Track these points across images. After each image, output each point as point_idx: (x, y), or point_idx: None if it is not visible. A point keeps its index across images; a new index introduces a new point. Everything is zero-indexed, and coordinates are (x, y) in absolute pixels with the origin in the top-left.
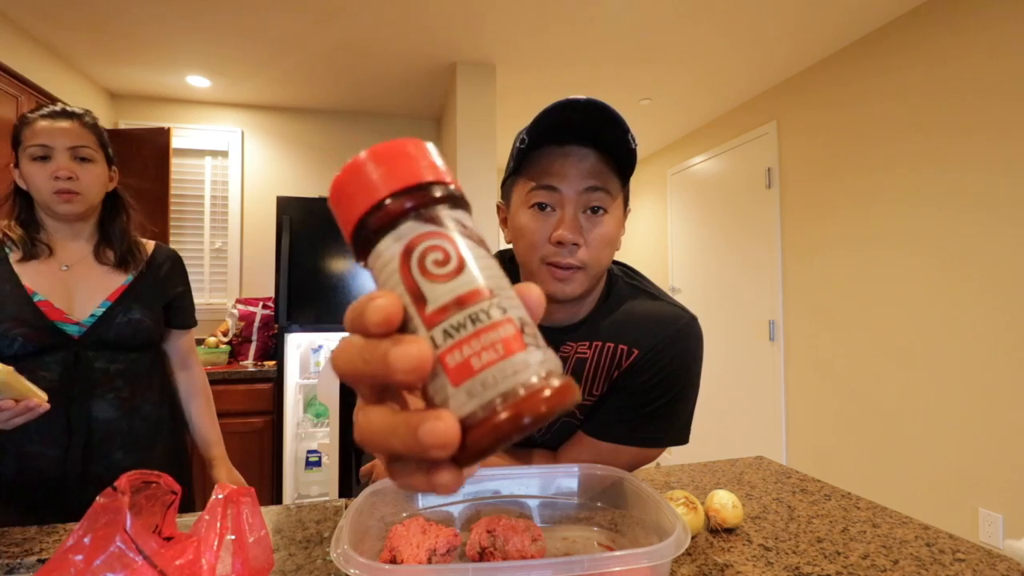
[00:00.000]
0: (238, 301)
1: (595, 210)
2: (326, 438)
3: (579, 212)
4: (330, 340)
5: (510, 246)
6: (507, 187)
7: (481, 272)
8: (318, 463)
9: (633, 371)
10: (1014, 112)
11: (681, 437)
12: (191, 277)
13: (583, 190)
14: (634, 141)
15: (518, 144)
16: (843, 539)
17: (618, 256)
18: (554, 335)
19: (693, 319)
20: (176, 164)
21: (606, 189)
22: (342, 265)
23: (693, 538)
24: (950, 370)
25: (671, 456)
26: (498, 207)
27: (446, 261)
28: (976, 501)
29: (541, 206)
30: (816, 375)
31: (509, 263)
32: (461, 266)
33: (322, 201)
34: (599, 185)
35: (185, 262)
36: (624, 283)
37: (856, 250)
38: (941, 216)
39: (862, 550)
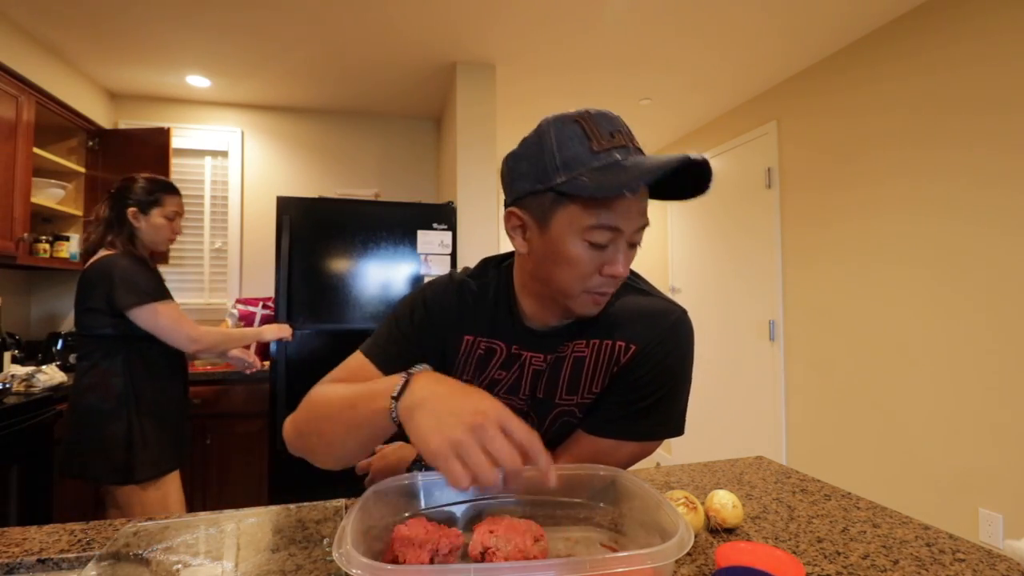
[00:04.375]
0: (238, 301)
1: (633, 245)
2: None
3: (626, 245)
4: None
5: (509, 249)
6: (541, 202)
7: None
8: None
9: (631, 366)
10: (1012, 122)
11: (678, 429)
12: (192, 277)
13: (637, 229)
14: (708, 188)
15: (585, 180)
16: (843, 539)
17: None
18: (551, 338)
19: (684, 312)
20: (176, 164)
21: (648, 221)
22: (342, 265)
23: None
24: (950, 370)
25: (671, 456)
26: (514, 214)
27: None
28: (976, 501)
29: (600, 244)
30: (816, 375)
31: (495, 267)
32: None
33: (322, 201)
34: (647, 222)
35: (185, 262)
36: None
37: (856, 251)
38: (941, 216)
39: (862, 550)
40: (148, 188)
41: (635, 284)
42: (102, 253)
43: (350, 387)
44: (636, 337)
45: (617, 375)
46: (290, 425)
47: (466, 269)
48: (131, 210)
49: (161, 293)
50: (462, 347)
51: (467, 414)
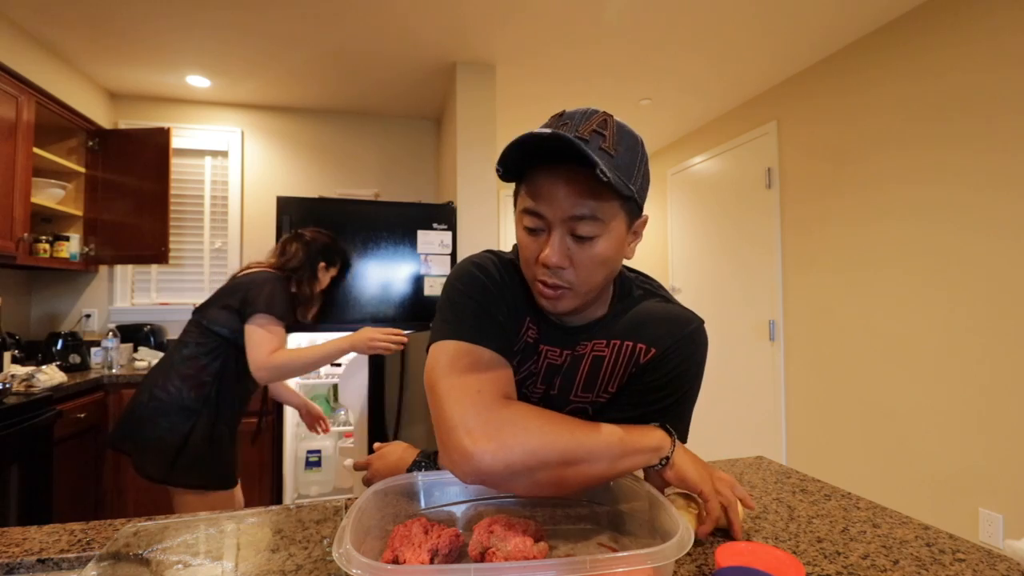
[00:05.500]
0: None
1: (581, 238)
2: (326, 438)
3: (566, 235)
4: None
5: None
6: (516, 190)
7: None
8: (318, 463)
9: (647, 369)
10: (1012, 124)
11: (682, 436)
12: (192, 277)
13: (568, 218)
14: (605, 175)
15: (497, 170)
16: (843, 539)
17: None
18: (571, 334)
19: (703, 323)
20: (176, 164)
21: (595, 216)
22: None
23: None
24: (950, 370)
25: None
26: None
27: None
28: (976, 501)
29: (530, 228)
30: (816, 375)
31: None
32: None
33: (322, 201)
34: (586, 213)
35: (185, 262)
36: (636, 286)
37: (856, 251)
38: (942, 216)
39: (862, 550)
40: (338, 251)
41: (656, 291)
42: (265, 269)
43: (606, 431)
44: (656, 341)
45: (632, 377)
46: (512, 458)
47: (501, 252)
48: (322, 264)
49: (281, 315)
50: (522, 328)
51: (703, 464)
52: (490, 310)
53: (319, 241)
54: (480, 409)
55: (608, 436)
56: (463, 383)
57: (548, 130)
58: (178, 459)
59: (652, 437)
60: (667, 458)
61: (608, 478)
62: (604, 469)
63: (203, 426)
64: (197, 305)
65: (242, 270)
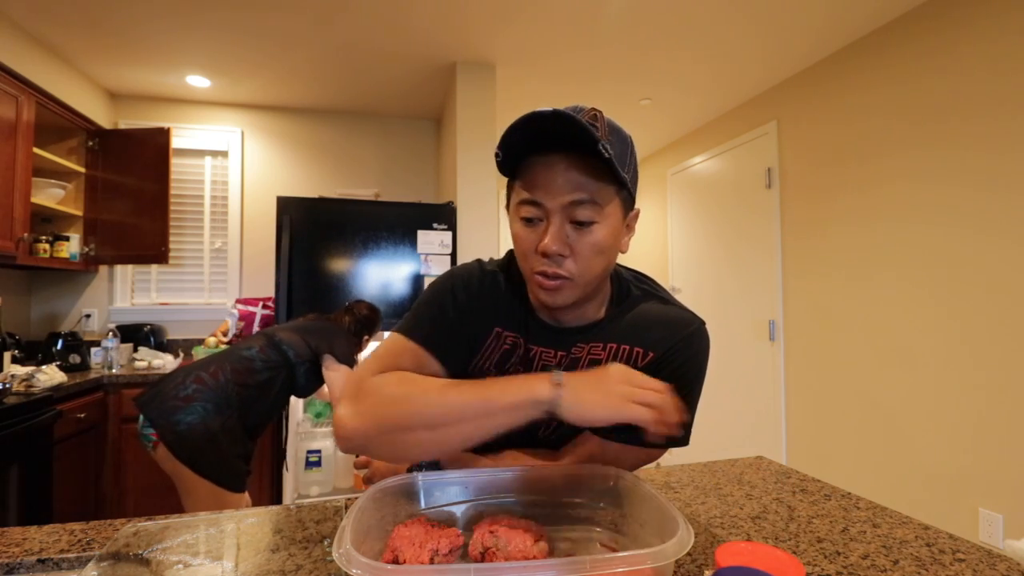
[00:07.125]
0: (238, 301)
1: (581, 223)
2: (327, 438)
3: (565, 223)
4: None
5: None
6: (508, 189)
7: None
8: (318, 463)
9: (646, 372)
10: (1011, 125)
11: (684, 439)
12: (192, 276)
13: (568, 204)
14: (608, 151)
15: (496, 157)
16: (843, 539)
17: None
18: (566, 336)
19: (703, 324)
20: (176, 164)
21: (593, 200)
22: (342, 265)
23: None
24: (950, 370)
25: (671, 456)
26: (507, 207)
27: None
28: (976, 501)
29: (528, 219)
30: (816, 375)
31: (510, 261)
32: None
33: (322, 201)
34: (585, 198)
35: (185, 262)
36: (635, 286)
37: (856, 251)
38: (941, 216)
39: (862, 550)
40: (379, 323)
41: (655, 292)
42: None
43: (470, 390)
44: (654, 344)
45: None
46: (367, 423)
47: (492, 260)
48: (365, 336)
49: (352, 366)
50: (489, 337)
51: (615, 383)
52: (451, 321)
53: (363, 315)
54: (354, 380)
55: (467, 396)
56: (368, 364)
57: (549, 109)
58: (198, 445)
59: (523, 389)
60: (551, 410)
61: (484, 437)
62: (472, 430)
63: (231, 424)
64: (272, 327)
65: (315, 316)
